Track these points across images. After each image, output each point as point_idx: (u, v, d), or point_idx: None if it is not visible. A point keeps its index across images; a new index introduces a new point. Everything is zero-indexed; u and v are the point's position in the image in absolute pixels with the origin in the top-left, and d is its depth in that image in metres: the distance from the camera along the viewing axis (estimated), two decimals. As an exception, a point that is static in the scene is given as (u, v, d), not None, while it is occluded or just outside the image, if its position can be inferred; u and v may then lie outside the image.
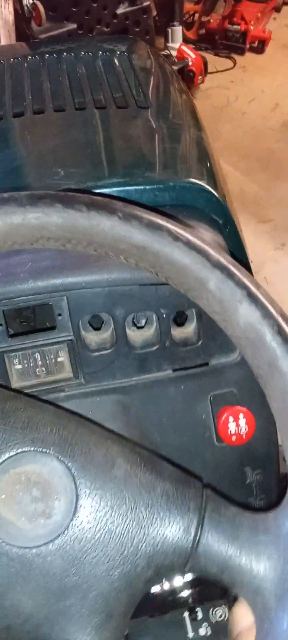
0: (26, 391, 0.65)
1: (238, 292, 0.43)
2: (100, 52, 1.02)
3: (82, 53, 1.01)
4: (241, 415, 0.66)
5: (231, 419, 0.66)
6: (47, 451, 0.47)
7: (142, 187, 0.70)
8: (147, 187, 0.70)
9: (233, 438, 0.67)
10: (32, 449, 0.47)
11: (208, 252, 0.44)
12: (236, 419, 0.66)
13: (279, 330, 0.42)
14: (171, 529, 0.46)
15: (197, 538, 0.46)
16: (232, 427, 0.66)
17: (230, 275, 0.43)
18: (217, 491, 0.49)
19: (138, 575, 0.46)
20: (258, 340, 0.43)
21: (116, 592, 0.45)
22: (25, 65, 0.98)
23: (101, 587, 0.45)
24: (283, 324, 0.43)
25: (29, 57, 1.02)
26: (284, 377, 0.42)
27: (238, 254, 0.73)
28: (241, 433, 0.67)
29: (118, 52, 1.03)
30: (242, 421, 0.66)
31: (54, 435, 0.48)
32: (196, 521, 0.46)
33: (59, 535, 0.45)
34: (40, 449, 0.47)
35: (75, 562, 0.45)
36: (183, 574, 0.48)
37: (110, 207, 0.45)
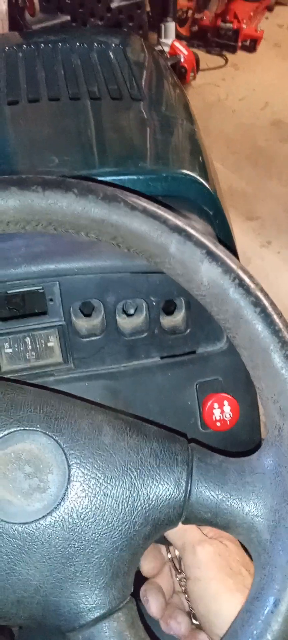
0: (16, 375, 0.66)
1: (198, 252, 0.46)
2: (95, 44, 1.02)
3: (77, 44, 1.02)
4: (226, 402, 0.68)
5: (216, 405, 0.68)
6: (34, 429, 0.48)
7: (134, 177, 0.71)
8: (140, 176, 0.71)
9: (218, 424, 0.68)
10: (19, 428, 0.48)
11: (166, 217, 0.46)
12: (221, 406, 0.68)
13: (240, 283, 0.45)
14: (163, 485, 0.48)
15: (188, 489, 0.48)
16: (216, 413, 0.68)
17: (188, 236, 0.46)
18: (202, 444, 0.52)
19: (137, 532, 0.48)
20: (222, 294, 0.46)
21: (118, 552, 0.47)
22: (20, 54, 0.99)
23: (103, 549, 0.47)
24: (244, 276, 0.46)
25: (24, 46, 1.02)
26: (249, 324, 0.45)
27: (228, 244, 0.74)
28: (225, 419, 0.68)
29: (113, 45, 1.04)
30: (227, 408, 0.68)
31: (38, 413, 0.49)
32: (185, 473, 0.48)
33: (56, 507, 0.46)
34: (27, 428, 0.48)
35: (75, 530, 0.46)
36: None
37: (65, 185, 0.46)
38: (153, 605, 0.58)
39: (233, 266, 0.46)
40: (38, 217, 0.46)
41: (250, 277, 0.46)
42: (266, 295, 0.46)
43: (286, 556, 0.44)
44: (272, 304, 0.46)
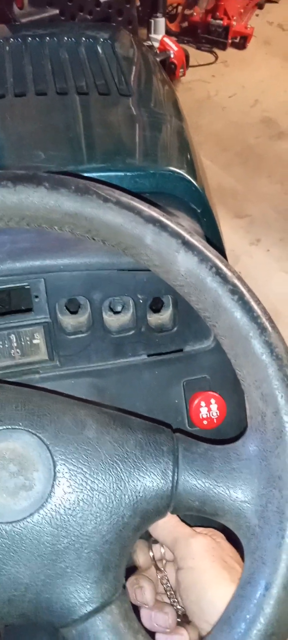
0: (0, 372, 0.66)
1: (174, 242, 0.45)
2: (84, 39, 1.02)
3: (65, 38, 1.02)
4: (213, 401, 0.68)
5: (203, 403, 0.68)
6: (17, 427, 0.48)
7: (122, 174, 0.71)
8: (128, 173, 0.71)
9: (205, 422, 0.68)
10: (1, 427, 0.47)
11: (140, 208, 0.46)
12: (208, 404, 0.68)
13: (217, 271, 0.45)
14: (149, 476, 0.48)
15: (175, 478, 0.48)
16: (203, 411, 0.68)
17: (163, 227, 0.46)
18: (187, 433, 0.51)
19: (126, 524, 0.47)
20: (200, 283, 0.46)
21: (108, 545, 0.47)
22: (7, 47, 0.98)
23: (93, 543, 0.46)
24: (220, 265, 0.46)
25: (11, 39, 1.01)
26: (228, 312, 0.45)
27: (215, 242, 0.74)
28: (212, 417, 0.68)
29: (101, 40, 1.03)
30: (214, 406, 0.68)
31: (20, 411, 0.48)
32: (171, 463, 0.48)
33: (43, 504, 0.46)
34: (10, 426, 0.48)
35: (63, 526, 0.46)
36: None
37: (36, 179, 0.45)
38: (147, 592, 0.58)
39: (210, 255, 0.46)
40: (10, 212, 0.46)
41: (227, 265, 0.46)
42: (243, 282, 0.46)
43: (275, 539, 0.44)
44: (250, 290, 0.46)
